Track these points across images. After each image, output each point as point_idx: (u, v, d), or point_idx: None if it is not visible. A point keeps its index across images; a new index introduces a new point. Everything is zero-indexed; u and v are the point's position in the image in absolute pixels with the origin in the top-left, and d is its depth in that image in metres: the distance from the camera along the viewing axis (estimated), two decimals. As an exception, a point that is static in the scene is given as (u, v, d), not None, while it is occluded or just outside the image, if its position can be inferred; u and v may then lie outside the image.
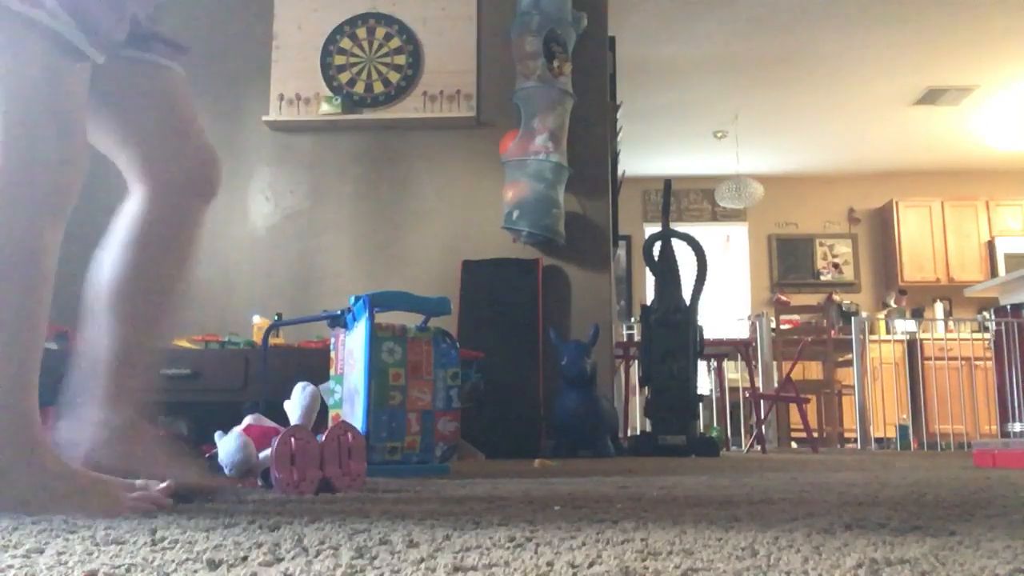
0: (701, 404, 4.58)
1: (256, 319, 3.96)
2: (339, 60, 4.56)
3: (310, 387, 1.64)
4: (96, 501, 1.04)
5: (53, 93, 1.18)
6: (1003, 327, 5.14)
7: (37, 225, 1.14)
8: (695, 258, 4.29)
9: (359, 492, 1.47)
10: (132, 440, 1.31)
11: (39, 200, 1.14)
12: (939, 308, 8.23)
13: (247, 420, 1.73)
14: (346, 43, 4.58)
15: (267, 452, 1.54)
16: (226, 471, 1.66)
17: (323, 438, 1.56)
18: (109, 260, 1.35)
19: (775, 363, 6.31)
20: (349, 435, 1.54)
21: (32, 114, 1.15)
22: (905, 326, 7.73)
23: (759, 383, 5.82)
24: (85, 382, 1.32)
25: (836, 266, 8.69)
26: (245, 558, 0.70)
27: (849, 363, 6.34)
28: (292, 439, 1.46)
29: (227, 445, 1.64)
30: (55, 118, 1.17)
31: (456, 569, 0.66)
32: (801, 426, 5.64)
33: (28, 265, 1.12)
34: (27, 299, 1.12)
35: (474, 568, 0.66)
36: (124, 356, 1.33)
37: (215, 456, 1.73)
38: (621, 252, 8.48)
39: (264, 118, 4.49)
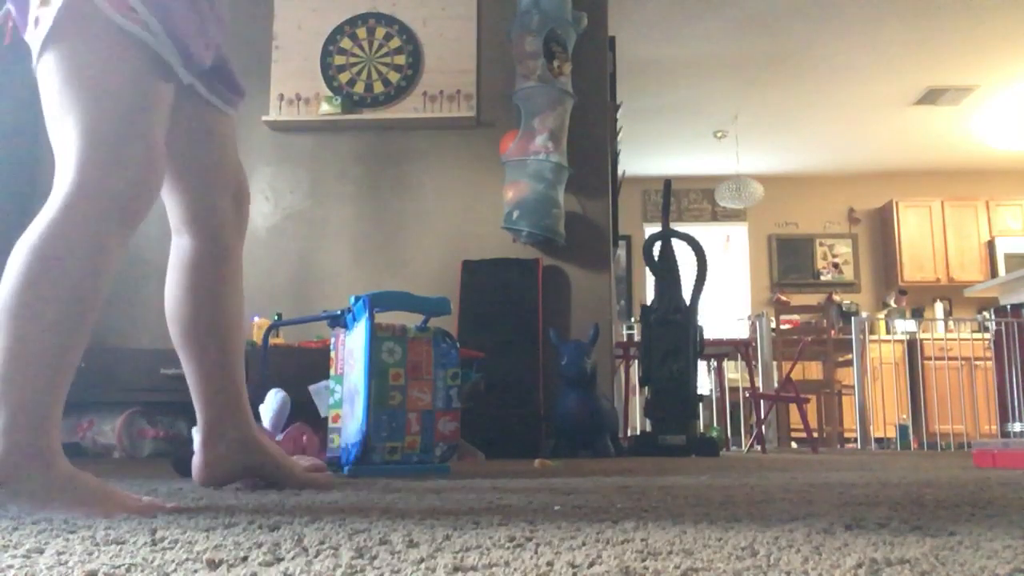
0: (701, 404, 4.58)
1: (256, 319, 3.96)
2: (339, 60, 4.56)
3: (281, 393, 1.81)
4: (101, 505, 1.06)
5: (141, 110, 1.20)
6: (1003, 327, 5.14)
7: (103, 239, 1.14)
8: (695, 258, 4.29)
9: (358, 491, 1.47)
10: (265, 443, 1.48)
11: (110, 214, 1.15)
12: (939, 308, 8.23)
13: None
14: (346, 43, 4.58)
15: None
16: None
17: (281, 438, 1.78)
18: (174, 309, 1.44)
19: (775, 363, 6.31)
20: (304, 437, 1.80)
21: (117, 128, 1.17)
22: (905, 326, 7.73)
23: (759, 383, 5.82)
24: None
25: (836, 266, 8.69)
26: (245, 558, 0.70)
27: (849, 363, 6.34)
28: None
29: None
30: (139, 135, 1.18)
31: (456, 569, 0.66)
32: (801, 426, 5.64)
33: (84, 277, 1.13)
34: (75, 309, 1.12)
35: (474, 568, 0.66)
36: (214, 390, 1.44)
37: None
38: (621, 252, 8.48)
39: (264, 118, 4.49)
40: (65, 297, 1.11)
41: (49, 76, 1.18)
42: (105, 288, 1.16)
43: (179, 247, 1.43)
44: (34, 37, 1.20)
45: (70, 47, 1.16)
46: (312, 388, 2.34)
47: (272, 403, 1.78)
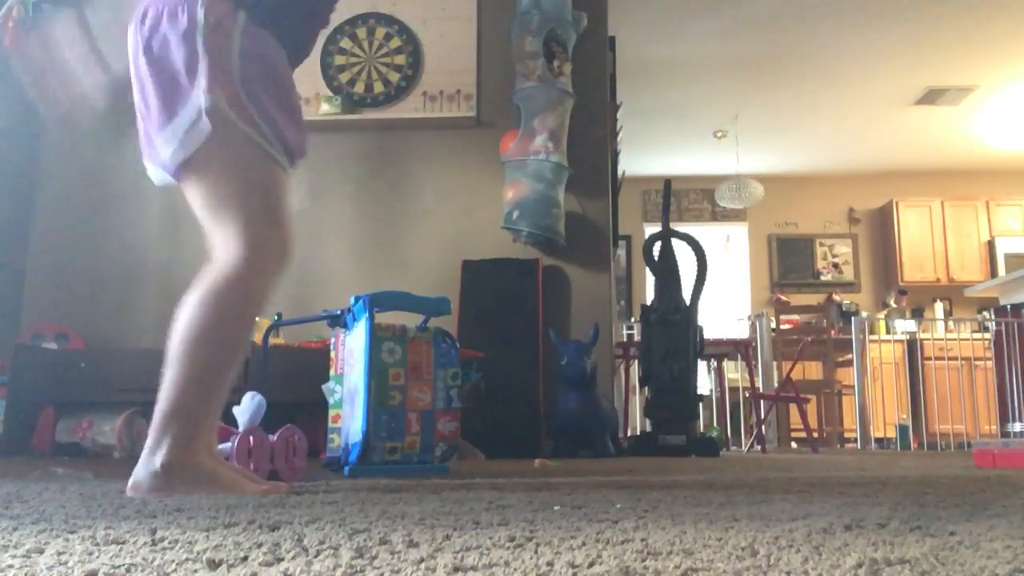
0: (701, 404, 4.58)
1: (256, 319, 3.95)
2: (339, 60, 4.56)
3: (258, 397, 1.86)
4: (235, 488, 1.39)
5: (278, 199, 1.53)
6: (1003, 327, 5.14)
7: (261, 296, 1.50)
8: (695, 258, 4.29)
9: (358, 491, 1.48)
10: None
11: (267, 277, 1.50)
12: (939, 308, 8.23)
13: None
14: (346, 43, 4.58)
15: (224, 446, 1.79)
16: None
17: (274, 438, 1.86)
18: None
19: (775, 363, 6.31)
20: (295, 437, 1.89)
21: (266, 214, 1.50)
22: (905, 326, 7.73)
23: (759, 383, 5.82)
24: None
25: (836, 266, 8.69)
26: (245, 558, 0.70)
27: (849, 363, 6.34)
28: (250, 438, 1.79)
29: None
30: (280, 218, 1.52)
31: (456, 569, 0.66)
32: (801, 426, 5.64)
33: (247, 323, 1.50)
34: (239, 347, 1.48)
35: (474, 568, 0.66)
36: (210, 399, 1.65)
37: None
38: (621, 252, 8.48)
39: (264, 118, 4.48)
40: (235, 336, 1.47)
41: (203, 178, 1.48)
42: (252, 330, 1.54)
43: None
44: (182, 148, 1.47)
45: (219, 157, 1.47)
46: (325, 387, 2.34)
47: (248, 406, 1.84)
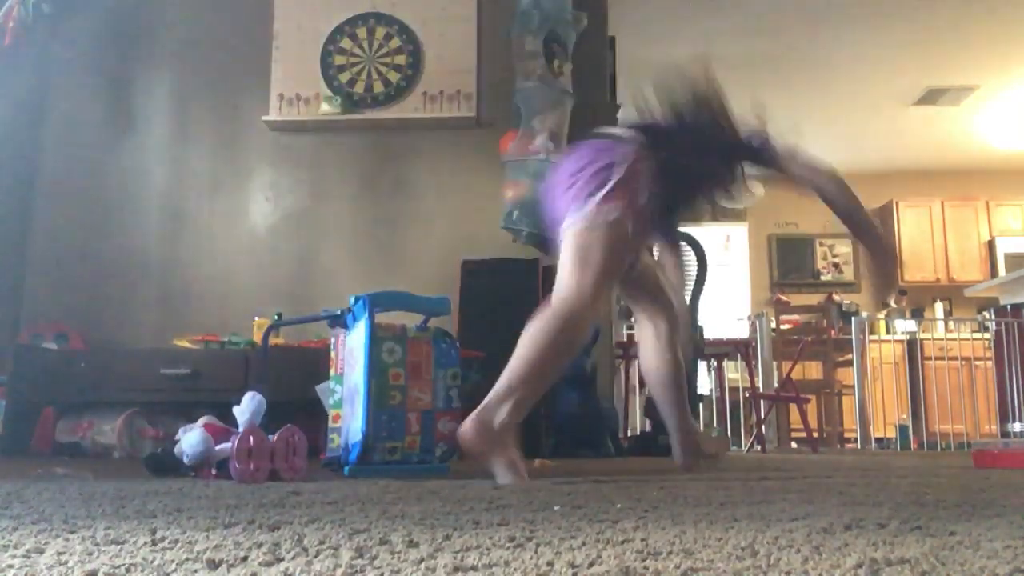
0: (701, 404, 4.58)
1: (256, 319, 3.95)
2: (339, 60, 4.56)
3: (258, 396, 1.87)
4: (517, 477, 1.78)
5: (609, 282, 2.13)
6: (1003, 327, 5.13)
7: (572, 335, 1.98)
8: (695, 258, 4.29)
9: (358, 491, 1.48)
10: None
11: (569, 326, 1.95)
12: (939, 308, 8.23)
13: (203, 420, 1.94)
14: (346, 43, 4.58)
15: (224, 446, 1.81)
16: (185, 460, 1.89)
17: (274, 438, 1.87)
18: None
19: (775, 363, 6.30)
20: (295, 437, 1.91)
21: (596, 285, 2.01)
22: (905, 326, 7.73)
23: (759, 383, 5.82)
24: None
25: (836, 266, 8.69)
26: (245, 558, 0.70)
27: (849, 363, 6.34)
28: (251, 438, 1.80)
29: (190, 439, 1.88)
30: (601, 294, 2.04)
31: (456, 569, 0.66)
32: (801, 426, 5.64)
33: (553, 347, 1.93)
34: (565, 359, 2.00)
35: (474, 568, 0.66)
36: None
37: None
38: (621, 252, 8.46)
39: (264, 118, 4.49)
40: (565, 348, 1.96)
41: (581, 242, 2.01)
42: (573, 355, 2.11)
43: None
44: (583, 221, 2.02)
45: (601, 238, 1.99)
46: (319, 388, 2.34)
47: (248, 405, 1.85)
